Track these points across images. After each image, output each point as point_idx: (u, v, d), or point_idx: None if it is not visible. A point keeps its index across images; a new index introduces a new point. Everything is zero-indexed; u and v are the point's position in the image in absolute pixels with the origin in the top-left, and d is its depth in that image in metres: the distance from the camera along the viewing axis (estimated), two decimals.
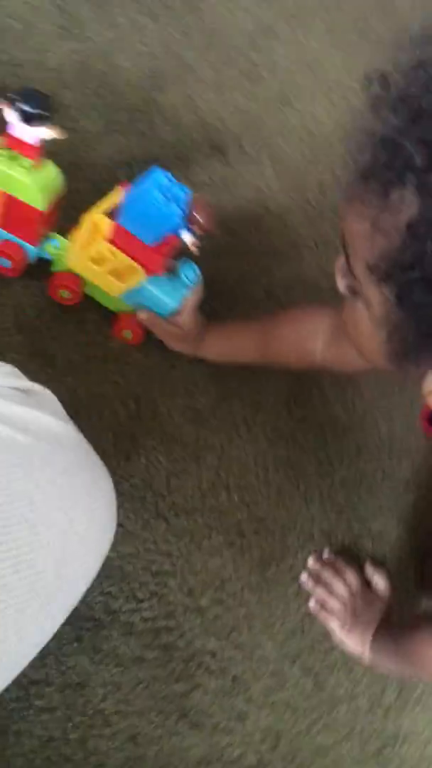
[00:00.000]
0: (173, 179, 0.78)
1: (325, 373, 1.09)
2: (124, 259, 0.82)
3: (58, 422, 0.66)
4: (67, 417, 0.68)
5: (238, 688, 0.85)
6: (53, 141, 0.76)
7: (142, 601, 0.83)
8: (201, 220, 0.79)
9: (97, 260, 0.85)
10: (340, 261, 0.59)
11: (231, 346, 0.95)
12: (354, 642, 0.91)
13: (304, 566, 0.95)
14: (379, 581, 0.97)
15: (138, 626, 0.81)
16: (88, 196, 0.89)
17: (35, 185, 0.78)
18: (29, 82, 1.04)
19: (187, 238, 0.79)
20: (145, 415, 0.92)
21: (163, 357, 0.96)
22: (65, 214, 0.88)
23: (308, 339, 0.89)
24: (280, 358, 0.93)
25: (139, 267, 0.83)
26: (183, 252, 0.85)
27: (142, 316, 0.90)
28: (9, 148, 0.77)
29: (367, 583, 0.97)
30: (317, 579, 0.94)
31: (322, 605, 0.92)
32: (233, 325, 0.96)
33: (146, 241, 0.81)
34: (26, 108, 0.73)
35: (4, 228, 0.84)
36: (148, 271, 0.83)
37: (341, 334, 0.80)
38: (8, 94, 0.73)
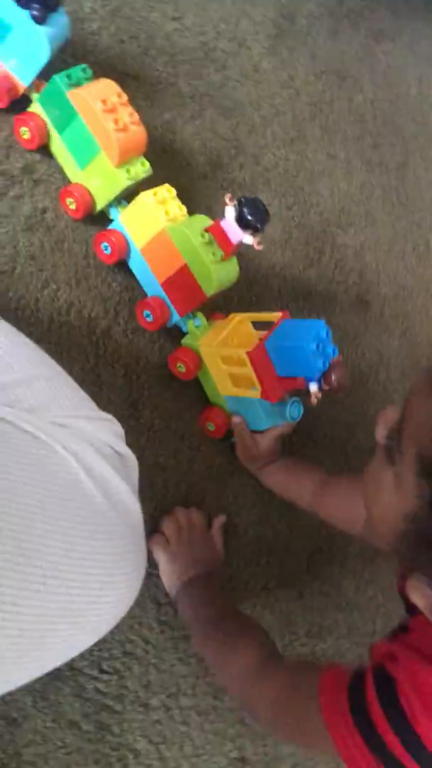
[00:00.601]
0: (329, 337, 0.82)
1: (354, 545, 1.11)
2: (250, 374, 0.86)
3: (132, 498, 0.68)
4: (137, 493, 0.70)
5: None
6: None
7: (103, 672, 0.83)
8: (333, 381, 0.82)
9: (226, 360, 0.89)
10: (390, 414, 0.59)
11: (288, 483, 0.98)
12: (169, 573, 0.87)
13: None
14: (216, 536, 0.94)
15: (88, 693, 0.82)
16: (241, 292, 0.94)
17: (215, 276, 0.83)
18: (242, 167, 1.11)
19: (313, 389, 0.83)
20: (189, 503, 0.94)
21: (229, 461, 0.99)
22: (215, 299, 0.92)
23: (357, 508, 0.92)
24: (327, 514, 0.95)
25: (258, 387, 0.86)
26: (300, 392, 0.89)
27: (237, 420, 0.93)
28: (211, 233, 0.83)
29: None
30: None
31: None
32: (298, 466, 1.00)
33: (277, 371, 0.84)
34: (246, 214, 0.79)
35: (164, 288, 0.89)
36: (264, 395, 0.87)
37: None
38: (241, 198, 0.79)
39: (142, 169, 0.87)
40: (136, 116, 0.84)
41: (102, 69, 0.97)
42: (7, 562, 0.54)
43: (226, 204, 0.80)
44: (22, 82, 0.84)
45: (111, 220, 0.91)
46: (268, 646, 0.82)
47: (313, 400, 0.84)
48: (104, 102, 0.81)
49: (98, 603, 0.64)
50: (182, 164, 1.05)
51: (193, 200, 0.99)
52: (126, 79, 1.00)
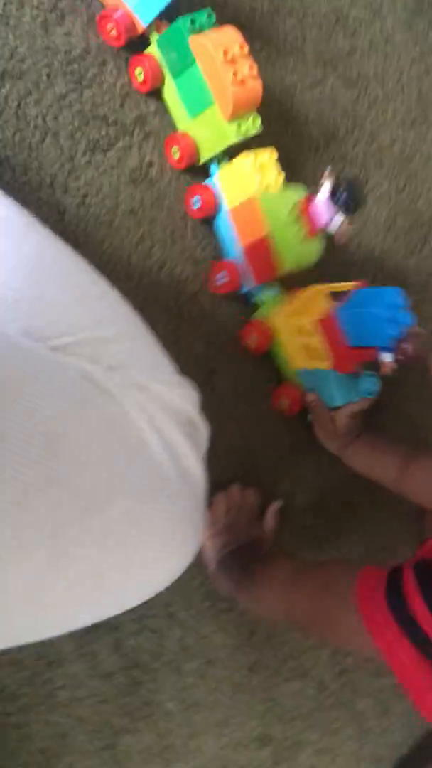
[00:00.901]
0: (405, 304, 0.78)
1: (411, 546, 1.09)
2: (321, 344, 0.83)
3: (199, 466, 0.68)
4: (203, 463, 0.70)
5: (164, 756, 0.86)
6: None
7: (144, 629, 0.85)
8: (408, 352, 0.78)
9: (298, 330, 0.86)
10: None
11: (372, 461, 0.95)
12: (209, 548, 0.88)
13: (285, 693, 0.95)
14: (270, 521, 0.94)
15: (127, 648, 0.84)
16: (335, 272, 0.91)
17: (293, 252, 0.80)
18: (356, 142, 1.07)
19: (386, 359, 0.79)
20: (248, 480, 0.94)
21: (294, 444, 0.98)
22: (304, 276, 0.89)
23: None
24: (414, 491, 0.91)
25: (329, 358, 0.84)
26: (375, 366, 0.85)
27: (311, 397, 0.92)
28: (300, 208, 0.79)
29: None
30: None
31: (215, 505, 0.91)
32: (381, 443, 0.96)
33: (349, 341, 0.82)
34: (342, 195, 0.76)
35: (243, 255, 0.87)
36: (335, 366, 0.84)
37: None
38: (342, 176, 0.75)
39: (253, 125, 0.83)
40: (255, 69, 0.80)
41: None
42: (72, 514, 0.55)
43: (323, 181, 0.77)
44: (143, 21, 0.81)
45: (210, 175, 0.88)
46: (301, 558, 0.81)
47: (387, 371, 0.81)
48: (225, 52, 0.78)
49: (152, 565, 0.64)
50: (296, 132, 1.01)
51: (299, 171, 0.95)
52: (251, 36, 0.97)
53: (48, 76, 0.81)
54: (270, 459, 0.96)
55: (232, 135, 0.83)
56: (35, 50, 0.80)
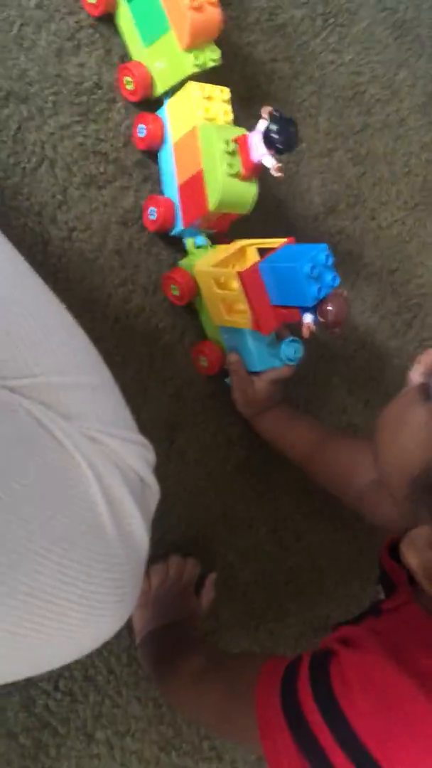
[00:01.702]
0: (331, 264, 0.74)
1: None
2: (241, 298, 0.78)
3: (144, 531, 0.64)
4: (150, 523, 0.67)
5: None
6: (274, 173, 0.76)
7: (58, 690, 0.80)
8: (330, 315, 0.74)
9: (220, 283, 0.81)
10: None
11: (283, 433, 0.91)
12: (137, 618, 0.84)
13: None
14: (207, 596, 0.90)
15: (37, 708, 0.78)
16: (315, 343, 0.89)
17: (222, 189, 0.76)
18: (356, 218, 1.06)
19: (307, 321, 0.75)
20: (196, 545, 0.90)
21: (247, 508, 0.95)
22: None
23: (356, 468, 0.83)
24: (320, 473, 0.88)
25: (249, 315, 0.79)
26: (298, 330, 0.80)
27: (232, 358, 0.86)
28: (237, 144, 0.76)
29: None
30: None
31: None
32: (294, 416, 0.92)
33: (271, 299, 0.77)
34: (273, 132, 0.73)
35: (179, 191, 0.83)
36: (255, 324, 0.79)
37: None
38: (276, 112, 0.73)
39: (211, 56, 0.77)
40: None
41: (248, 90, 0.93)
42: None
43: (261, 118, 0.74)
44: None
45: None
46: (215, 652, 0.78)
47: (306, 333, 0.76)
48: None
49: (78, 629, 0.60)
50: (296, 200, 1.00)
51: (300, 240, 0.94)
52: (267, 98, 0.96)
53: (54, 103, 0.78)
54: (222, 527, 0.93)
55: (189, 65, 0.76)
56: (46, 76, 0.78)
